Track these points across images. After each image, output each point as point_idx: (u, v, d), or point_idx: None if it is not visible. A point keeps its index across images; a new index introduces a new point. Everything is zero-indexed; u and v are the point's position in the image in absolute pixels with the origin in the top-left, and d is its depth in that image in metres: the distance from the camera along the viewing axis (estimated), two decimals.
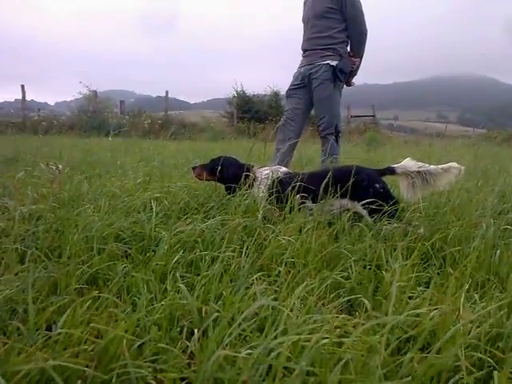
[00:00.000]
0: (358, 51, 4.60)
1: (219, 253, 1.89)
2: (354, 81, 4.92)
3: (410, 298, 1.68)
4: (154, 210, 2.42)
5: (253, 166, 3.22)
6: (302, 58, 4.74)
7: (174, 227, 2.16)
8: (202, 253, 1.96)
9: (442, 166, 2.86)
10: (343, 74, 4.50)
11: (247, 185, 2.96)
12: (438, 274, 2.05)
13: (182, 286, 1.53)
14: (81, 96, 19.81)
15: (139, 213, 2.49)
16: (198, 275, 1.76)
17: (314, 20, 4.56)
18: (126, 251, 2.05)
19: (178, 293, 1.59)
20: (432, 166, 2.86)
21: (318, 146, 9.94)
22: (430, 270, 2.10)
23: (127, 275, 1.78)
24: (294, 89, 4.74)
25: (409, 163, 2.90)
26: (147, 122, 18.24)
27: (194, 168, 3.30)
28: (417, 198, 2.84)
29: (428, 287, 1.77)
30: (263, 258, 1.97)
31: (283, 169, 3.18)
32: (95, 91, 19.47)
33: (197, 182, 3.38)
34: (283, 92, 22.56)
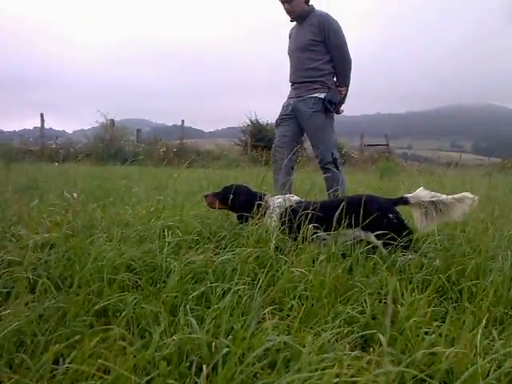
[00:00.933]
0: (344, 80, 4.64)
1: (231, 285, 1.86)
2: (342, 108, 4.93)
3: (425, 333, 1.64)
4: (166, 239, 2.41)
5: (265, 195, 3.20)
6: (290, 90, 4.79)
7: (185, 257, 2.14)
8: (213, 284, 1.94)
9: (456, 195, 2.82)
10: (333, 105, 4.52)
11: (259, 214, 2.94)
12: (455, 308, 2.00)
13: (192, 319, 1.51)
14: (98, 125, 20.10)
15: (151, 242, 2.48)
16: (209, 308, 1.73)
17: (298, 53, 4.62)
18: (136, 282, 2.03)
19: (188, 326, 1.56)
20: (445, 196, 2.83)
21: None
22: (446, 303, 2.05)
23: (137, 307, 1.75)
24: (283, 119, 4.78)
25: (422, 193, 2.87)
26: (162, 150, 18.39)
27: (206, 196, 3.29)
28: (431, 229, 2.80)
29: (444, 322, 1.72)
30: (275, 291, 1.93)
31: (295, 197, 3.16)
32: (112, 120, 19.74)
33: (209, 210, 3.37)
34: None
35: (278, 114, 4.87)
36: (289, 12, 4.61)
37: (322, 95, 4.46)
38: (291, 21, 4.73)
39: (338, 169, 4.53)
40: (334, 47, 4.45)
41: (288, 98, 4.79)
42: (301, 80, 4.61)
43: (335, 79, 4.63)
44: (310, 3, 4.60)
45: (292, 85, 4.76)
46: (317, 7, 4.53)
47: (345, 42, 4.49)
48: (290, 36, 4.83)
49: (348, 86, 4.71)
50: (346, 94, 4.75)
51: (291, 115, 4.67)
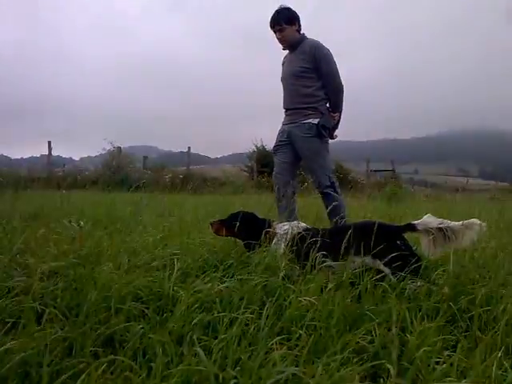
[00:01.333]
0: (336, 106, 4.72)
1: (238, 314, 1.85)
2: (336, 134, 4.99)
3: (436, 363, 1.61)
4: (173, 267, 2.40)
5: (272, 222, 3.19)
6: (284, 116, 4.87)
7: (192, 286, 2.13)
8: (220, 314, 1.92)
9: (463, 222, 2.80)
10: (326, 130, 4.60)
11: (266, 241, 2.93)
12: (465, 337, 1.97)
13: (199, 349, 1.49)
14: (105, 152, 20.25)
15: (158, 270, 2.47)
16: (216, 338, 1.71)
17: (291, 80, 4.72)
18: (143, 311, 2.02)
19: (195, 356, 1.54)
20: (453, 223, 2.81)
21: None
22: (457, 332, 2.02)
23: (144, 337, 1.74)
24: (279, 145, 4.83)
25: (429, 219, 2.85)
26: (169, 177, 18.46)
27: (212, 224, 3.29)
28: (438, 255, 2.77)
29: (455, 351, 1.69)
30: (283, 321, 1.91)
31: (302, 224, 3.15)
32: (119, 147, 19.88)
33: (216, 237, 3.36)
34: None
35: (275, 141, 4.94)
36: (281, 41, 4.75)
37: (316, 121, 4.53)
38: (283, 49, 4.86)
39: (337, 192, 4.55)
40: (325, 74, 4.55)
41: (283, 124, 4.87)
42: (294, 106, 4.71)
43: (328, 105, 4.71)
44: (301, 32, 4.74)
45: (286, 111, 4.85)
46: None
47: (336, 68, 4.59)
48: (282, 64, 4.95)
49: (341, 112, 4.79)
50: (339, 120, 4.83)
51: (287, 141, 4.73)
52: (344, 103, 4.73)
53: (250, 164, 22.72)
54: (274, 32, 4.69)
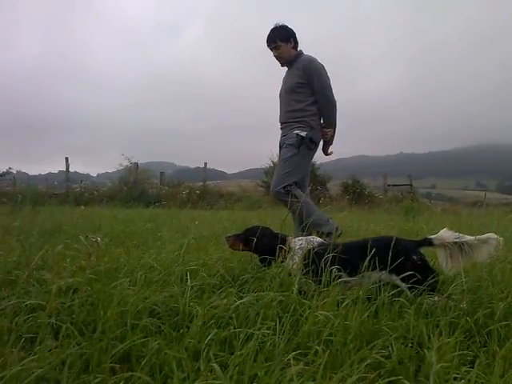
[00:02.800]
0: (328, 122, 4.80)
1: (254, 330, 1.84)
2: (331, 150, 5.09)
3: (454, 378, 1.59)
4: (189, 283, 2.40)
5: (287, 236, 3.19)
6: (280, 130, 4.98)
7: (208, 302, 2.13)
8: (237, 330, 1.92)
9: (480, 236, 2.77)
10: (313, 143, 4.68)
11: (282, 256, 2.93)
12: (484, 352, 1.94)
13: (215, 365, 1.49)
14: (122, 168, 20.41)
15: (174, 286, 2.48)
16: (232, 353, 1.71)
17: (286, 95, 4.85)
18: (159, 326, 2.02)
19: (212, 372, 1.54)
20: (469, 237, 2.78)
21: (354, 216, 9.85)
22: (475, 347, 1.99)
23: (160, 352, 1.74)
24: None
25: (446, 234, 2.83)
26: (185, 192, 18.55)
27: (228, 238, 3.29)
28: (455, 270, 2.74)
29: (473, 367, 1.67)
30: (300, 336, 1.90)
31: (317, 239, 3.13)
32: (136, 163, 20.05)
33: (232, 253, 3.37)
34: (318, 161, 22.85)
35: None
36: (278, 58, 4.89)
37: (303, 133, 4.61)
38: (282, 66, 4.98)
39: (286, 205, 4.49)
40: (317, 89, 4.63)
41: (280, 137, 4.96)
42: (286, 120, 4.82)
43: (322, 120, 4.80)
44: (298, 48, 4.86)
45: (281, 125, 4.95)
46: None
47: (328, 84, 4.66)
48: (283, 79, 5.04)
49: (335, 128, 4.86)
50: (333, 136, 4.91)
51: None
52: (340, 119, 4.81)
53: (266, 179, 22.73)
54: (271, 50, 4.83)
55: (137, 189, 17.90)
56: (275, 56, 4.85)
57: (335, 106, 4.72)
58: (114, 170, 21.35)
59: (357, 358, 1.68)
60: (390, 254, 2.53)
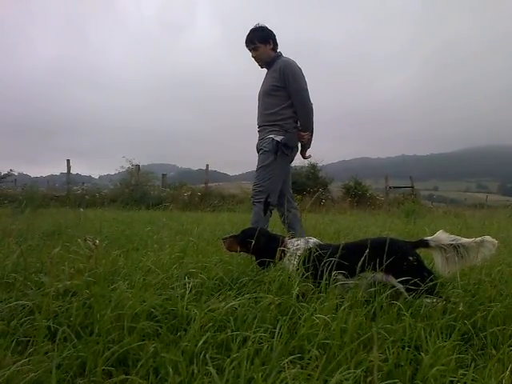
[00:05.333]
0: (305, 125, 4.72)
1: (251, 332, 1.83)
2: (308, 154, 5.06)
3: (450, 382, 1.58)
4: (187, 286, 2.39)
5: (284, 238, 3.18)
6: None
7: (206, 305, 2.13)
8: (234, 333, 1.91)
9: (476, 239, 2.76)
10: (288, 149, 4.62)
11: (279, 257, 2.92)
12: (481, 355, 1.93)
13: (211, 369, 1.48)
14: (124, 170, 20.36)
15: (172, 289, 2.47)
16: (229, 356, 1.70)
17: (263, 97, 4.79)
18: (157, 330, 2.02)
19: (208, 375, 1.53)
20: (465, 240, 2.77)
21: (354, 218, 9.83)
22: (472, 350, 1.98)
23: (157, 356, 1.73)
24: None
25: (441, 236, 2.82)
26: (187, 194, 18.51)
27: (224, 240, 3.28)
28: (451, 272, 2.74)
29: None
30: (297, 339, 1.89)
31: (313, 240, 3.12)
32: (138, 165, 20.00)
33: (232, 255, 3.35)
34: (320, 164, 22.89)
35: None
36: (256, 60, 4.85)
37: (278, 138, 4.57)
38: (261, 67, 4.92)
39: (264, 213, 4.52)
40: (293, 93, 4.58)
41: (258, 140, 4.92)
42: (262, 124, 4.78)
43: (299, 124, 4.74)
44: (277, 50, 4.82)
45: (258, 127, 4.90)
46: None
47: (304, 87, 4.60)
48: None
49: (312, 131, 4.79)
50: (310, 139, 4.85)
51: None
52: (314, 123, 4.73)
53: None
54: (249, 50, 4.79)
55: (138, 191, 17.86)
56: (253, 57, 4.82)
57: (311, 109, 4.67)
58: (116, 172, 21.32)
59: (353, 362, 1.67)
60: (386, 254, 2.52)
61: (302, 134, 4.72)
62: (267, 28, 4.76)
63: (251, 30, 4.73)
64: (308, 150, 5.04)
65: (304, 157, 5.04)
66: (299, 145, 4.87)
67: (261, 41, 4.70)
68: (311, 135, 4.82)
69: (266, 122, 4.71)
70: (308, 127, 4.73)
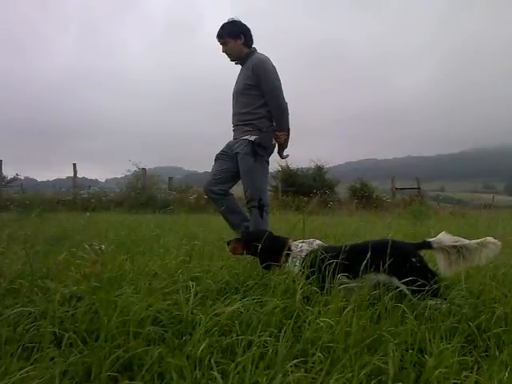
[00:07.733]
0: (280, 125, 4.64)
1: (256, 336, 1.84)
2: (285, 153, 4.97)
3: None
4: (193, 290, 2.39)
5: (288, 239, 3.18)
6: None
7: (211, 309, 2.13)
8: (239, 337, 1.91)
9: (479, 240, 2.75)
10: (262, 149, 4.55)
11: (283, 260, 2.92)
12: (485, 357, 1.92)
13: (215, 373, 1.48)
14: (130, 173, 20.38)
15: (178, 293, 2.47)
16: (234, 360, 1.70)
17: (236, 96, 4.73)
18: (162, 334, 2.02)
19: (213, 380, 1.53)
20: (468, 241, 2.76)
21: (361, 219, 9.80)
22: (476, 352, 1.97)
23: (162, 360, 1.74)
24: (221, 154, 4.88)
25: (444, 237, 2.81)
26: (194, 197, 18.48)
27: (228, 242, 3.28)
28: (454, 273, 2.74)
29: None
30: (301, 343, 1.89)
31: (317, 241, 3.11)
32: (144, 169, 19.99)
33: (238, 259, 3.35)
34: (326, 166, 22.88)
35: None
36: (227, 54, 4.75)
37: (253, 138, 4.51)
38: (235, 63, 4.84)
39: (261, 215, 4.54)
40: (266, 91, 4.50)
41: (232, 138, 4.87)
42: (236, 123, 4.73)
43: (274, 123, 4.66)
44: (252, 46, 4.72)
45: (232, 127, 4.85)
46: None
47: (278, 86, 4.52)
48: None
49: (288, 131, 4.72)
50: (287, 139, 4.77)
51: (229, 153, 4.78)
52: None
53: (275, 183, 22.71)
54: (221, 45, 4.71)
55: (144, 194, 17.87)
56: (223, 52, 4.72)
57: (286, 108, 4.60)
58: (123, 175, 21.37)
59: (358, 365, 1.67)
60: (388, 256, 2.52)
61: (278, 133, 4.65)
62: (240, 22, 4.67)
63: (222, 25, 4.65)
64: (285, 150, 4.95)
65: (281, 156, 4.97)
66: (276, 144, 4.80)
67: (230, 35, 4.61)
68: (288, 135, 4.75)
69: (241, 122, 4.65)
70: (283, 126, 4.66)
